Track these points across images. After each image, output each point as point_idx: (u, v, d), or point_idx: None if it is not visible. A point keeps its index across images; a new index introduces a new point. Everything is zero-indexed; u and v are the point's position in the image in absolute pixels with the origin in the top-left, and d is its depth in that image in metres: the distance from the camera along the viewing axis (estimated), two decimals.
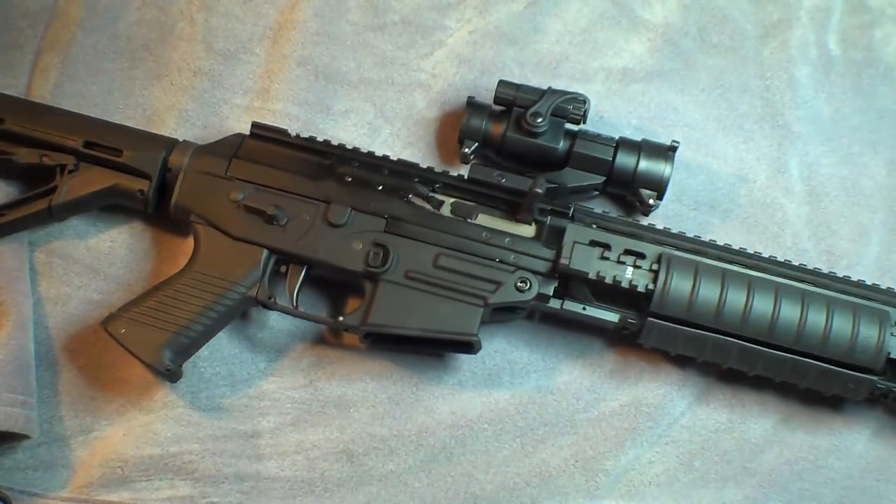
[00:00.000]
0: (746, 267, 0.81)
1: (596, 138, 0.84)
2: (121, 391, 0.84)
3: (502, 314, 0.84)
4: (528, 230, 0.83)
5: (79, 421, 0.84)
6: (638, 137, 0.85)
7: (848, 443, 0.85)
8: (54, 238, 0.88)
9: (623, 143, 0.84)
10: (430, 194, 0.84)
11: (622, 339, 0.85)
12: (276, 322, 0.87)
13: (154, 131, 0.88)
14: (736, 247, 0.83)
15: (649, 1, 0.95)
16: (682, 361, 0.85)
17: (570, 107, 0.84)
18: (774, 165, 0.92)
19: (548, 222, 0.83)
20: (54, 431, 0.83)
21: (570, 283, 0.83)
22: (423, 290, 0.82)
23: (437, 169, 0.86)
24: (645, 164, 0.84)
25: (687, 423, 0.85)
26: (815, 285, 0.81)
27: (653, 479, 0.84)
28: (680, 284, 0.80)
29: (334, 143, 0.86)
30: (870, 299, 0.81)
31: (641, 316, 0.81)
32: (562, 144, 0.84)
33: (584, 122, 0.85)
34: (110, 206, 0.87)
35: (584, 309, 0.83)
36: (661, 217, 0.86)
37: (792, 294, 0.80)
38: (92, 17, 0.93)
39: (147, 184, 0.84)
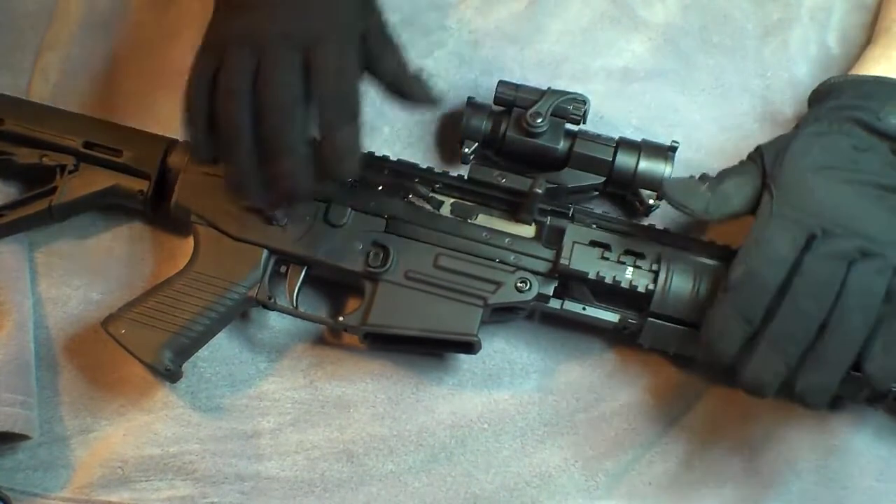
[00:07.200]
0: None
1: (596, 138, 0.84)
2: (121, 391, 0.84)
3: (502, 314, 0.84)
4: (528, 230, 0.83)
5: (79, 421, 0.84)
6: (638, 137, 0.85)
7: (848, 443, 0.85)
8: (54, 238, 0.87)
9: (623, 144, 0.84)
10: (430, 194, 0.84)
11: (622, 339, 0.85)
12: (276, 322, 0.87)
13: (154, 131, 0.88)
14: (736, 247, 0.83)
15: (650, 1, 0.95)
16: (682, 361, 0.85)
17: (570, 107, 0.84)
18: None
19: (548, 222, 0.83)
20: (54, 431, 0.83)
21: (570, 283, 0.83)
22: (423, 290, 0.82)
23: (437, 169, 0.86)
24: (645, 165, 0.84)
25: (687, 423, 0.85)
26: None
27: (653, 480, 0.84)
28: (680, 284, 0.80)
29: None
30: None
31: (641, 316, 0.81)
32: (562, 145, 0.84)
33: (584, 123, 0.85)
34: (110, 206, 0.87)
35: (584, 309, 0.83)
36: (661, 217, 0.86)
37: None
38: (92, 17, 0.93)
39: (147, 184, 0.84)
